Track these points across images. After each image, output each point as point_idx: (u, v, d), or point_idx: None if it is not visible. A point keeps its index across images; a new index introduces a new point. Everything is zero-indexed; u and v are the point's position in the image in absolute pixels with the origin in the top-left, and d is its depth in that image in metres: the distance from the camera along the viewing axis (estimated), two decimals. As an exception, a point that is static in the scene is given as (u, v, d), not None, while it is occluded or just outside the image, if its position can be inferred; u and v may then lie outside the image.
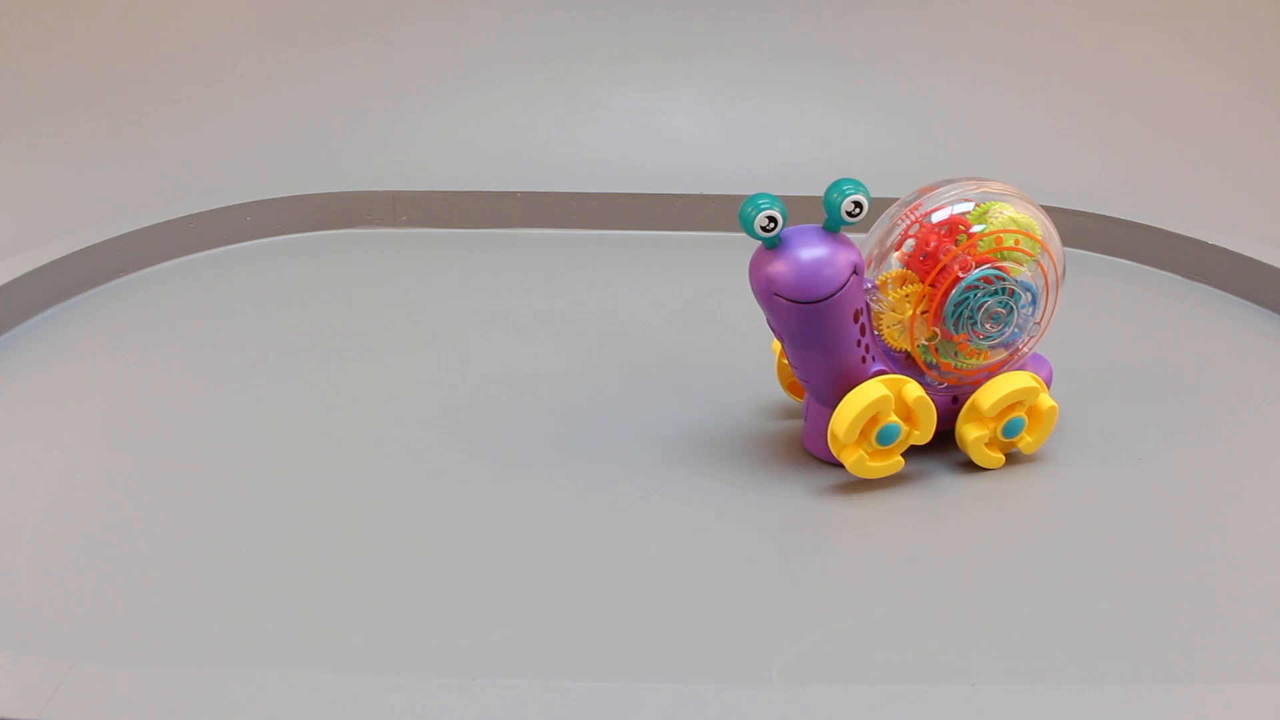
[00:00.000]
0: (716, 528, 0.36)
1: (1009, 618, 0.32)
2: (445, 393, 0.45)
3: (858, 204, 0.34)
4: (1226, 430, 0.42)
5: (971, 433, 0.38)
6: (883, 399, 0.36)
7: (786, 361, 0.40)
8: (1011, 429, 0.39)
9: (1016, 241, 0.36)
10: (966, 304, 0.36)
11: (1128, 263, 0.59)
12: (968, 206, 0.37)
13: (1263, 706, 0.26)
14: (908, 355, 0.38)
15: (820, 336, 0.36)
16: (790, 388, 0.43)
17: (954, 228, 0.37)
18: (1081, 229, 0.59)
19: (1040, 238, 0.37)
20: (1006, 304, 0.37)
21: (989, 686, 0.26)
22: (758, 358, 0.46)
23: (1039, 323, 0.38)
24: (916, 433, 0.38)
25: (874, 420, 0.37)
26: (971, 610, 0.32)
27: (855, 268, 0.35)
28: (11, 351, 0.48)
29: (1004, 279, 0.36)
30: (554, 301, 0.54)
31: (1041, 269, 0.37)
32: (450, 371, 0.47)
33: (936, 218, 0.37)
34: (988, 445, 0.39)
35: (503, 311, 0.53)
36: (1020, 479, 0.39)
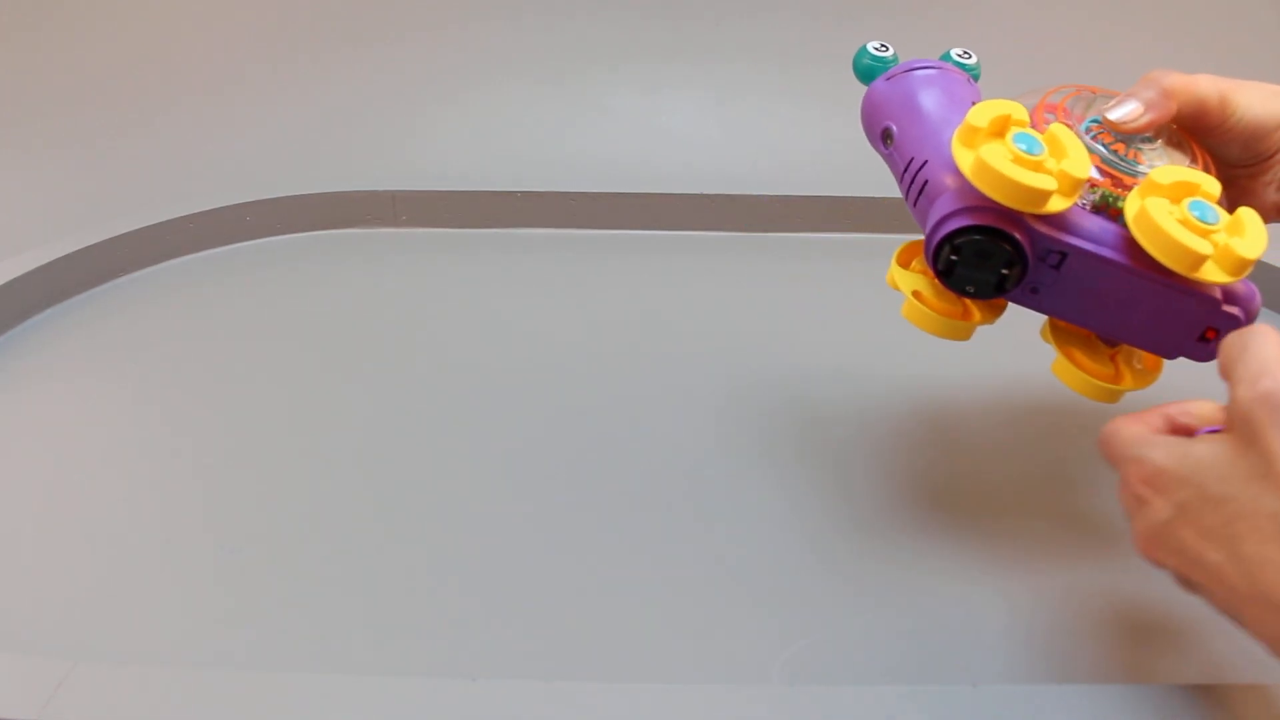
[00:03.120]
0: (716, 526, 0.36)
1: (1009, 616, 0.32)
2: (447, 392, 0.45)
3: (965, 50, 0.34)
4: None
5: (1155, 203, 0.28)
6: (1018, 105, 0.29)
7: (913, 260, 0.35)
8: (1202, 210, 0.28)
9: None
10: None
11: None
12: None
13: (1262, 706, 0.26)
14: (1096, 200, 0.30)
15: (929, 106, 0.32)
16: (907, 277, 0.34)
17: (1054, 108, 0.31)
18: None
19: None
20: None
21: (990, 687, 0.26)
22: (759, 358, 0.46)
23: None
24: (1066, 162, 0.28)
25: (1009, 120, 0.29)
26: (972, 609, 0.32)
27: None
28: (11, 352, 0.48)
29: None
30: (556, 301, 0.54)
31: None
32: (451, 371, 0.47)
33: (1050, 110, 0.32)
34: (1181, 222, 0.28)
35: (504, 311, 0.53)
36: (1020, 477, 0.39)
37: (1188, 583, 0.25)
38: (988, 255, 0.29)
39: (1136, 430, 0.27)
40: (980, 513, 0.37)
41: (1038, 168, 0.28)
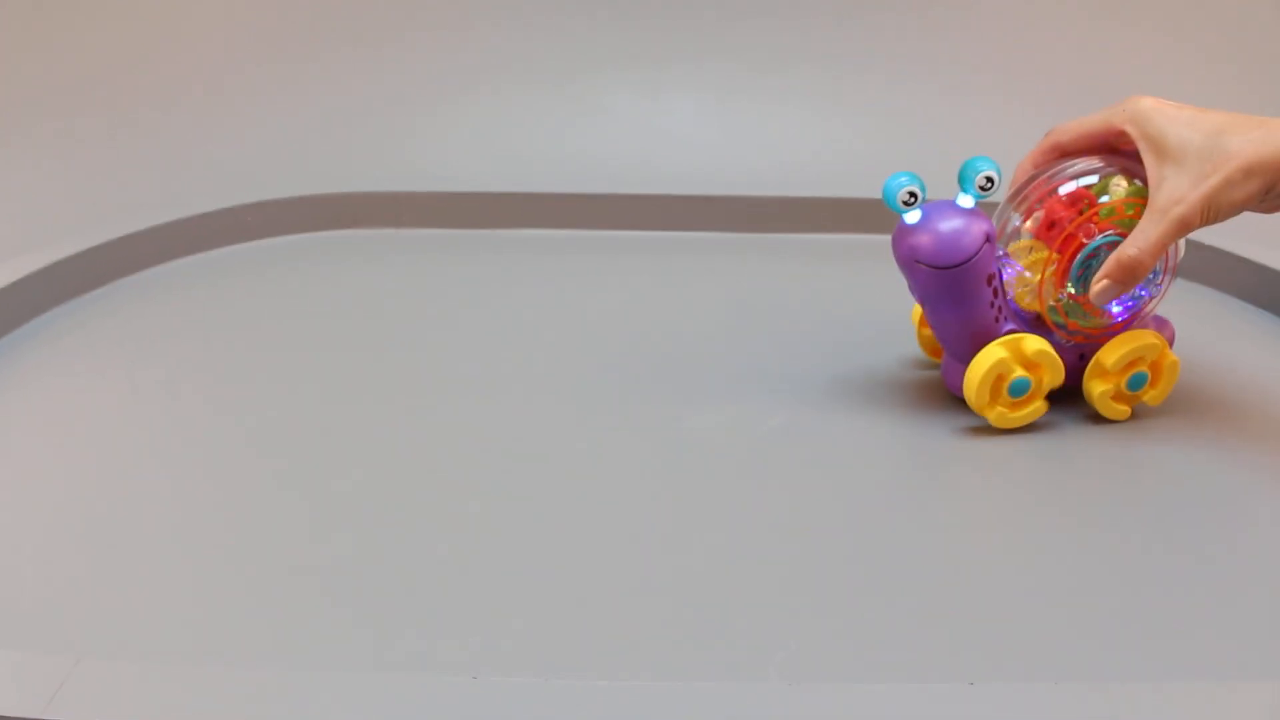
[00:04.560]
0: (715, 524, 0.36)
1: (1009, 615, 0.32)
2: (447, 392, 0.45)
3: (989, 179, 0.39)
4: (1225, 432, 0.42)
5: (1097, 387, 0.41)
6: (998, 362, 0.40)
7: (926, 330, 0.46)
8: (1135, 383, 0.42)
9: (1136, 210, 0.39)
10: (1091, 267, 0.39)
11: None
12: (1092, 179, 0.40)
13: (1263, 705, 0.26)
14: (1039, 316, 0.41)
15: (957, 299, 0.40)
16: (932, 351, 0.47)
17: (1078, 200, 0.40)
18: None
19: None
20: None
21: (987, 686, 0.27)
22: (758, 359, 0.46)
23: (1159, 284, 0.41)
24: (1047, 379, 0.41)
25: (1000, 379, 0.40)
26: (972, 607, 0.32)
27: (988, 236, 0.39)
28: (14, 353, 0.49)
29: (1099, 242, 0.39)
30: (556, 301, 0.54)
31: None
32: (452, 372, 0.47)
33: (1063, 190, 0.40)
34: (1114, 399, 0.42)
35: (504, 312, 0.53)
36: (1019, 476, 0.39)
37: None
38: None
39: None
40: (979, 510, 0.37)
41: (1032, 399, 0.41)
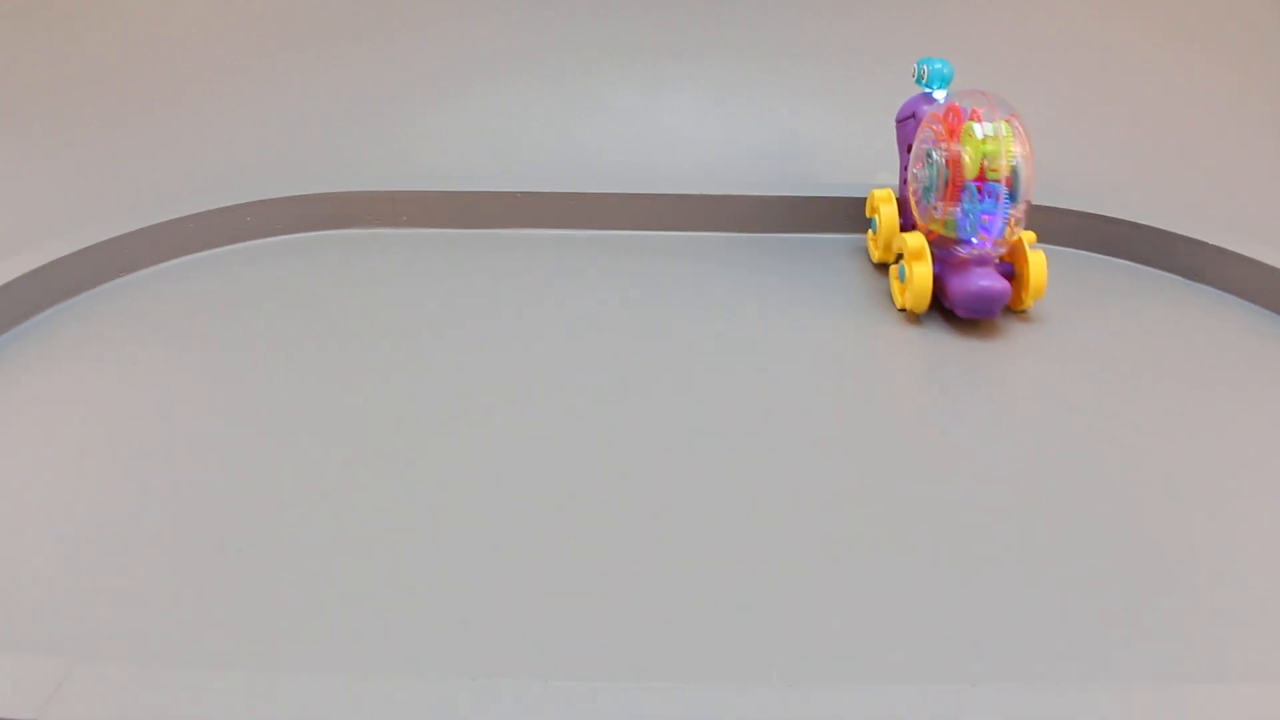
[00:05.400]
0: (715, 525, 0.36)
1: (1010, 616, 0.32)
2: (447, 392, 0.45)
3: (920, 70, 0.53)
4: (1226, 431, 0.42)
5: (894, 270, 0.52)
6: (871, 207, 0.58)
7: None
8: (901, 273, 0.51)
9: (938, 130, 0.48)
10: (917, 170, 0.49)
11: (1128, 263, 0.59)
12: (987, 127, 0.47)
13: (1263, 706, 0.26)
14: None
15: (899, 147, 0.56)
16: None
17: (955, 111, 0.48)
18: (1081, 229, 0.59)
19: (994, 148, 0.47)
20: (926, 169, 0.49)
21: (990, 687, 0.26)
22: (759, 357, 0.46)
23: (1004, 209, 0.47)
24: (883, 212, 0.55)
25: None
26: (972, 609, 0.32)
27: (914, 114, 0.53)
28: (11, 351, 0.48)
29: (928, 149, 0.48)
30: (556, 301, 0.54)
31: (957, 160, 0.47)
32: (452, 372, 0.47)
33: (968, 103, 0.48)
34: (894, 272, 0.52)
35: (504, 311, 0.53)
36: (1017, 479, 0.39)
37: None
38: None
39: None
40: (980, 511, 0.37)
41: (872, 238, 0.58)
